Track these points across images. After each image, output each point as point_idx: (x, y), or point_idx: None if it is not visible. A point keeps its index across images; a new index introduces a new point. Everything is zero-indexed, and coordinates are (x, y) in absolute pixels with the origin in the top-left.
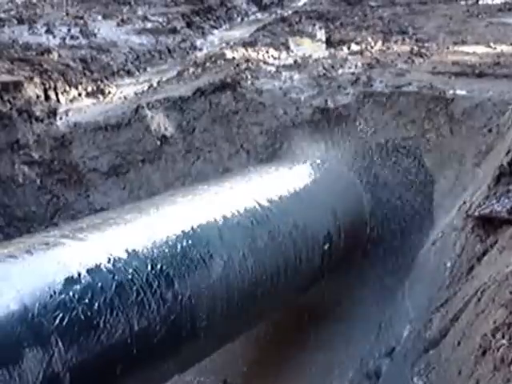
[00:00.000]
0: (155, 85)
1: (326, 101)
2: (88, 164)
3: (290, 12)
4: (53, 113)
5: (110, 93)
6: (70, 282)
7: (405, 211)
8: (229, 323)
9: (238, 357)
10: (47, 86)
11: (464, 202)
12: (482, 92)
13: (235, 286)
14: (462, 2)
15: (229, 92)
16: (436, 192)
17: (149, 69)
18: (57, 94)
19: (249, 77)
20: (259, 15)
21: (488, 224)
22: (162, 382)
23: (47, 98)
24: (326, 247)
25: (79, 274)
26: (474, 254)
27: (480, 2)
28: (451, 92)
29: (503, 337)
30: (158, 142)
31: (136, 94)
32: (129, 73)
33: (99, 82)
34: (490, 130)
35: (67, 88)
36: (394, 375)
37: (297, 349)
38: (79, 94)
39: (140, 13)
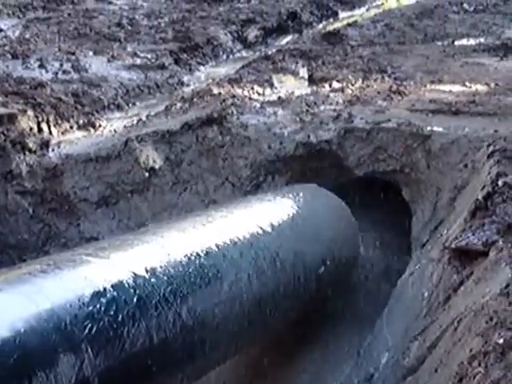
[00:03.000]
0: (144, 119)
1: (309, 136)
2: (79, 194)
3: (273, 50)
4: (45, 144)
5: (100, 126)
6: (96, 295)
7: None
8: (236, 337)
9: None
10: (40, 119)
11: (441, 235)
12: (458, 129)
13: (242, 304)
14: (439, 43)
15: (215, 126)
16: (413, 225)
17: (138, 103)
18: (49, 127)
19: (234, 112)
20: (244, 53)
21: (464, 256)
22: None
23: (40, 130)
24: (321, 271)
25: (104, 289)
26: (451, 285)
27: (456, 43)
28: (428, 129)
29: (479, 365)
30: (147, 174)
31: (125, 127)
32: (119, 107)
33: (90, 116)
34: (465, 166)
35: (59, 121)
36: None
37: (280, 369)
38: (71, 127)
39: (130, 49)
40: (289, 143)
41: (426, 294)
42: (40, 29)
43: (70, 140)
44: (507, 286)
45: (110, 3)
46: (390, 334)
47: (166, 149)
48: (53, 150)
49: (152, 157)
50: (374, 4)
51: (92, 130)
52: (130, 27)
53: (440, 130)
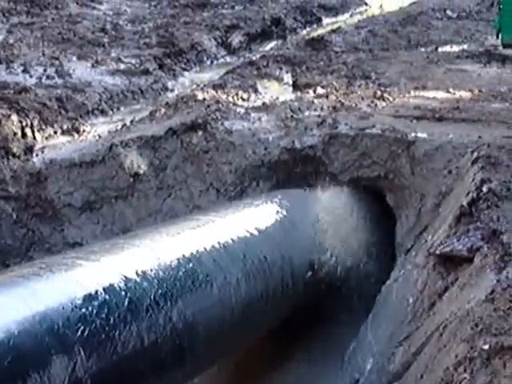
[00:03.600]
0: (128, 124)
1: (293, 141)
2: (63, 199)
3: (257, 56)
4: (29, 149)
5: (84, 131)
6: (88, 298)
7: None
8: (224, 339)
9: None
10: (24, 124)
11: (425, 241)
12: (442, 135)
13: (230, 307)
14: (422, 49)
15: (199, 132)
16: (398, 230)
17: (122, 108)
18: (33, 132)
19: (219, 117)
20: (228, 59)
21: (449, 262)
22: None
23: (24, 135)
24: (308, 275)
25: (96, 292)
26: (436, 291)
27: (439, 50)
28: (413, 135)
29: (465, 371)
30: (131, 179)
31: (110, 132)
32: (103, 112)
33: (74, 121)
34: (449, 172)
35: (43, 126)
36: None
37: (266, 371)
38: (55, 132)
39: (114, 55)
40: (273, 149)
41: (410, 300)
42: (24, 34)
43: (54, 145)
44: (492, 292)
45: (94, 8)
46: (375, 340)
47: (151, 154)
48: (37, 155)
49: (136, 162)
50: (358, 10)
51: (76, 135)
52: (113, 32)
53: (424, 136)
